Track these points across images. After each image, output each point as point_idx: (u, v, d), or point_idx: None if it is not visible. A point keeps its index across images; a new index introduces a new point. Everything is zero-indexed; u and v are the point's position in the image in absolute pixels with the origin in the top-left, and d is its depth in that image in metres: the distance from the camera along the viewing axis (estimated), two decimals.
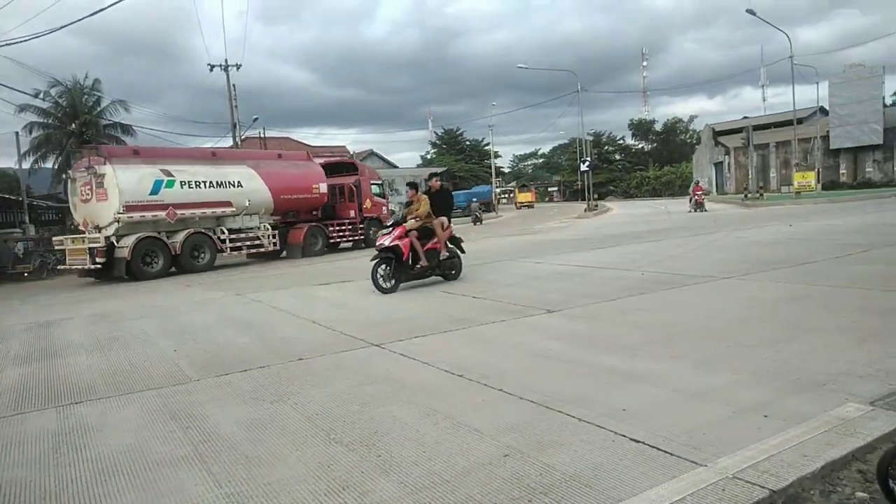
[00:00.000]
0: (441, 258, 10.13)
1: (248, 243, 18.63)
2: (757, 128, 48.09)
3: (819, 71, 44.72)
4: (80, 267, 16.56)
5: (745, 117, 62.31)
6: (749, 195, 38.98)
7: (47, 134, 35.04)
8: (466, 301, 8.24)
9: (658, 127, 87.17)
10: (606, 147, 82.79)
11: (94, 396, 4.99)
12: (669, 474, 2.82)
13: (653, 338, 5.44)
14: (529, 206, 63.11)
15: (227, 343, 6.73)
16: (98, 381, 5.50)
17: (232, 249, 18.21)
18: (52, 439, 4.01)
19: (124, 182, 15.77)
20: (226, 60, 32.44)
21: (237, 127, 33.00)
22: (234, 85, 32.56)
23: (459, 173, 76.76)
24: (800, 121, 42.38)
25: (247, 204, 18.41)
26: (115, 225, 15.82)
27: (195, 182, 17.37)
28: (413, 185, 10.74)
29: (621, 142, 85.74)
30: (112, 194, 15.73)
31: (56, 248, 18.12)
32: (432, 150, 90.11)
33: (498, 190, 68.63)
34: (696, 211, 29.69)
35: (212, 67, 32.42)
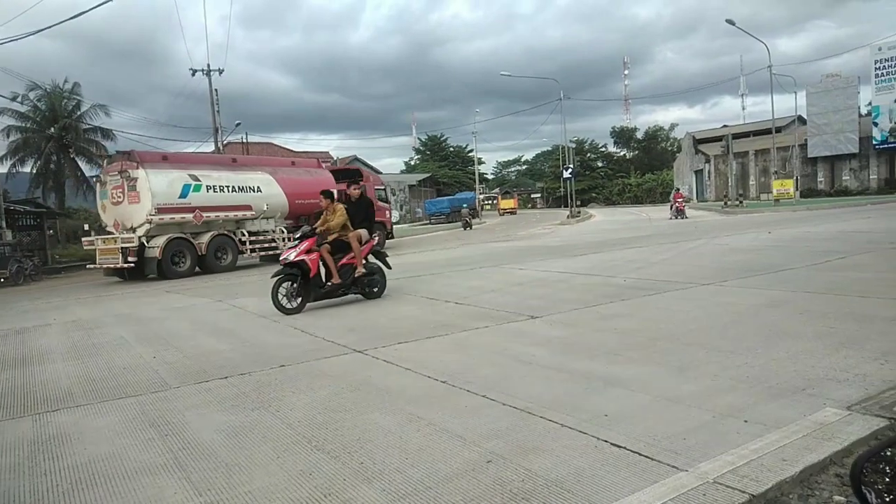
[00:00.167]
0: (356, 275, 9.13)
1: (265, 245, 19.50)
2: (736, 136, 48.80)
3: (797, 81, 45.64)
4: (110, 266, 17.41)
5: (725, 126, 63.11)
6: (729, 202, 39.49)
7: (25, 138, 34.55)
8: (449, 307, 8.24)
9: (640, 135, 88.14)
10: (589, 154, 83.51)
11: (71, 404, 4.91)
12: (651, 479, 2.83)
13: (634, 344, 5.48)
14: (512, 212, 63.59)
15: (208, 350, 6.66)
16: (76, 388, 5.42)
17: (251, 251, 19.20)
18: (27, 448, 3.94)
19: (156, 185, 16.82)
20: (208, 65, 32.39)
21: (219, 132, 32.81)
22: (216, 89, 32.48)
23: (443, 179, 76.94)
24: (778, 129, 43.05)
25: (265, 208, 19.43)
26: (147, 226, 16.81)
27: (219, 186, 18.45)
28: (328, 195, 9.55)
29: (603, 149, 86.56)
30: (144, 197, 16.74)
31: (86, 247, 19.06)
32: (416, 157, 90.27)
33: (481, 196, 68.99)
34: (676, 218, 29.96)
35: (194, 72, 32.30)
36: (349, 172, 24.99)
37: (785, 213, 29.05)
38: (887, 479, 1.28)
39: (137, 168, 16.84)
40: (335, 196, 9.65)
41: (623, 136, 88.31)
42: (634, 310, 7.12)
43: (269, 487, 3.06)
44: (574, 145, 73.43)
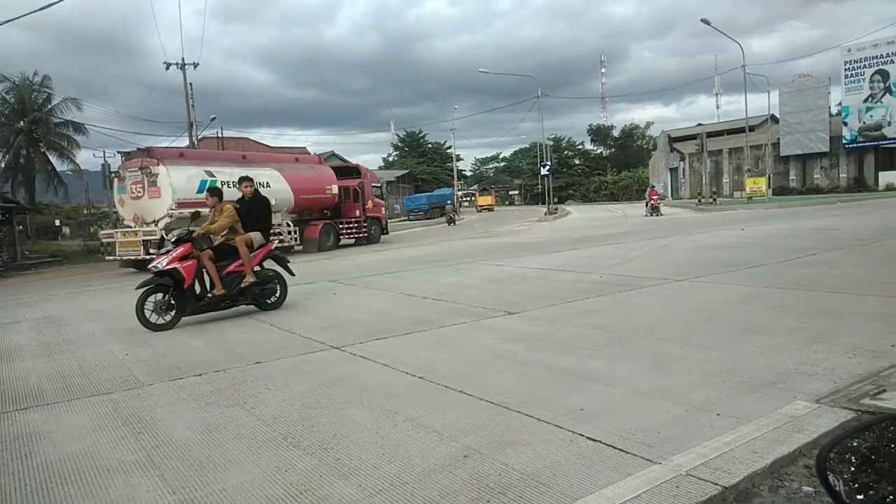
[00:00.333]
0: (243, 284, 8.10)
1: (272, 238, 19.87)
2: (711, 135, 49.39)
3: (770, 80, 46.48)
4: (129, 258, 17.86)
5: (700, 124, 63.82)
6: (703, 200, 40.04)
7: None
8: (427, 303, 8.24)
9: (616, 133, 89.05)
10: (566, 152, 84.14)
11: (41, 402, 4.81)
12: (625, 472, 2.86)
13: (609, 339, 5.53)
14: (490, 209, 63.74)
15: (182, 346, 6.58)
16: (46, 385, 5.32)
17: None
18: None
19: (176, 181, 17.54)
20: (182, 59, 31.82)
21: (193, 126, 32.36)
22: (191, 84, 31.94)
23: (422, 175, 76.88)
24: (752, 128, 43.67)
25: (273, 202, 19.56)
26: (167, 220, 17.34)
27: (232, 182, 18.75)
28: (214, 192, 8.53)
29: (580, 147, 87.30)
30: (165, 192, 17.47)
31: (105, 241, 19.68)
32: (394, 153, 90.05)
33: (460, 193, 69.13)
34: (652, 215, 30.27)
35: (168, 66, 31.75)
36: (348, 169, 26.04)
37: (758, 210, 29.54)
38: (853, 469, 1.31)
39: (158, 164, 17.55)
40: (222, 195, 8.61)
41: (600, 133, 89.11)
42: (610, 306, 7.19)
43: (243, 484, 3.04)
44: (552, 143, 73.90)
